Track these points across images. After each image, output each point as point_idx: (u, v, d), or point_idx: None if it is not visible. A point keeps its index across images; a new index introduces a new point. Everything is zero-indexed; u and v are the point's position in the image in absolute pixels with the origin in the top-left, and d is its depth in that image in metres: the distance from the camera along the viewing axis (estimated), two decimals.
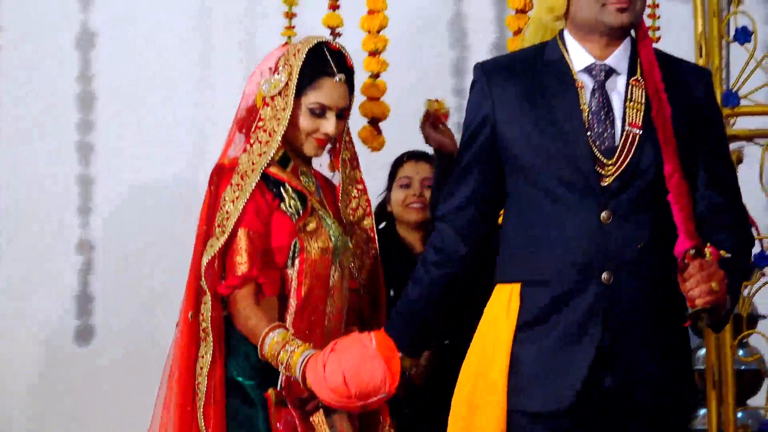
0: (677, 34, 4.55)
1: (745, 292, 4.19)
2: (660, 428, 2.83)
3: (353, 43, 3.48)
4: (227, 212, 3.21)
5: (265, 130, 3.28)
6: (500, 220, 3.00)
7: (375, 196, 4.21)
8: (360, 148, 3.60)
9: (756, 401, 4.51)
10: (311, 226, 3.26)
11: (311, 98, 3.29)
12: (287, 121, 3.26)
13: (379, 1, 4.30)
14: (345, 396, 3.01)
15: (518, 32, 4.18)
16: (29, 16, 5.61)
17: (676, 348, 2.84)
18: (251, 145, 3.28)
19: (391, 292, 3.63)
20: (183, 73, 5.61)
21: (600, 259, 2.77)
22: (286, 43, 4.14)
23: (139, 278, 5.52)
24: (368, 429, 3.31)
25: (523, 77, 2.90)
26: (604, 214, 2.77)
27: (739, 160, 4.24)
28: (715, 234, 2.78)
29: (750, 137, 4.28)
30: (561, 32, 2.92)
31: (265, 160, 3.25)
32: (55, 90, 5.60)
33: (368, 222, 3.47)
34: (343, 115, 3.34)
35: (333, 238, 3.28)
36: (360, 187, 3.47)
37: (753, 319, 4.44)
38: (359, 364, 3.00)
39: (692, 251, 2.66)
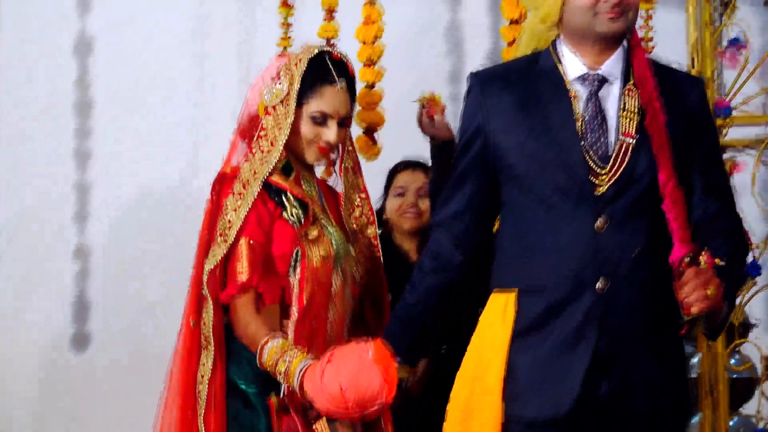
0: (671, 44, 4.56)
1: (738, 301, 4.21)
2: None
3: (349, 53, 3.49)
4: (229, 221, 3.22)
5: (267, 139, 3.29)
6: (496, 227, 3.01)
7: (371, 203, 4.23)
8: None
9: (748, 409, 4.53)
10: (313, 233, 3.27)
11: (312, 106, 3.30)
12: (289, 129, 3.27)
13: (374, 11, 4.32)
14: (343, 405, 3.01)
15: (512, 43, 4.19)
16: (27, 22, 5.62)
17: (671, 355, 2.85)
18: (253, 154, 3.29)
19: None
20: (180, 79, 5.61)
21: (595, 266, 2.78)
22: (283, 53, 4.17)
23: (136, 285, 5.51)
24: None
25: (518, 86, 2.91)
26: (598, 222, 2.78)
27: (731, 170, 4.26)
28: (710, 241, 2.78)
29: (742, 147, 4.30)
30: (554, 42, 2.93)
31: (267, 169, 3.26)
32: (53, 96, 5.60)
33: (371, 230, 3.48)
34: (344, 122, 3.35)
35: (335, 246, 3.29)
36: (363, 194, 3.48)
37: (745, 327, 4.46)
38: (356, 373, 2.99)
39: (688, 258, 2.68)
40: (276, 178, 3.28)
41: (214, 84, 5.60)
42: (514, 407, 2.82)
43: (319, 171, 3.45)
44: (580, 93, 2.86)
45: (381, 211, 4.40)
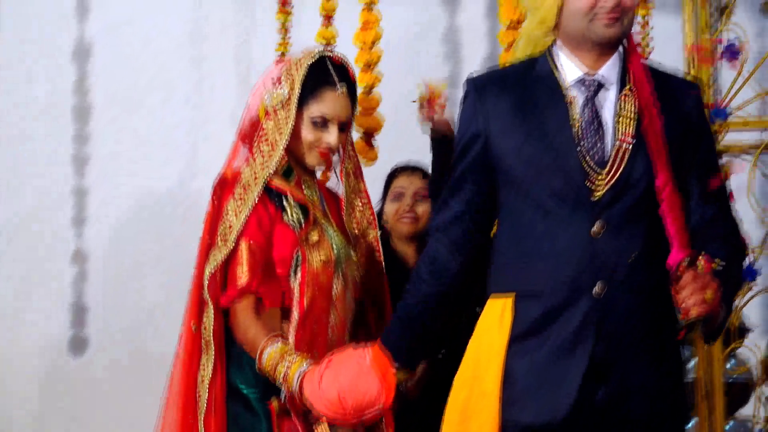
0: (668, 49, 4.57)
1: (734, 305, 4.21)
2: None
3: (347, 58, 3.50)
4: (230, 224, 3.22)
5: (267, 142, 3.29)
6: (493, 231, 3.01)
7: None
8: None
9: (745, 412, 4.54)
10: (313, 237, 3.27)
11: (313, 110, 3.31)
12: (289, 132, 3.28)
13: (372, 16, 4.33)
14: (341, 411, 3.01)
15: (510, 47, 4.20)
16: (26, 24, 5.62)
17: (668, 359, 2.85)
18: (254, 157, 3.30)
19: None
20: (179, 80, 5.61)
21: (592, 271, 2.77)
22: (282, 58, 4.18)
23: (134, 287, 5.52)
24: None
25: (515, 91, 2.91)
26: (595, 227, 2.78)
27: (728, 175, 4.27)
28: (707, 245, 2.78)
29: (739, 151, 4.31)
30: (551, 46, 2.94)
31: (268, 172, 3.26)
32: (52, 101, 5.60)
33: (373, 233, 3.49)
34: (345, 126, 3.36)
35: (335, 249, 3.29)
36: (364, 198, 3.48)
37: (742, 331, 4.47)
38: (354, 379, 3.00)
39: (685, 262, 2.68)
40: (277, 182, 3.29)
41: (212, 85, 5.60)
42: (511, 412, 2.82)
43: (318, 174, 3.46)
44: (576, 98, 2.86)
45: (379, 214, 4.41)
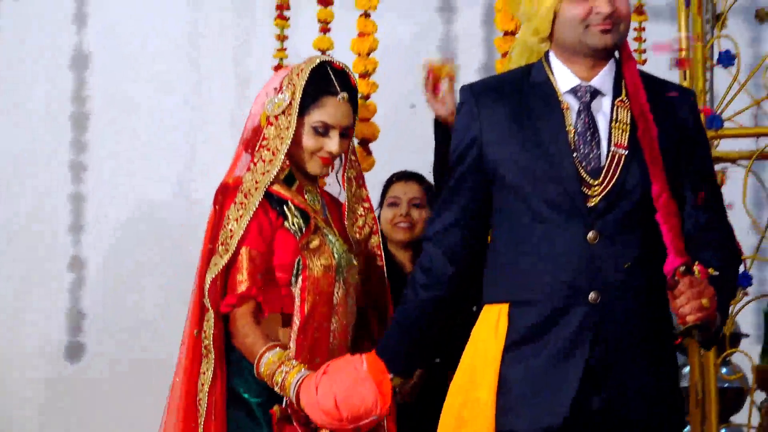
0: (662, 57, 4.58)
1: (729, 311, 4.21)
2: None
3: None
4: (231, 231, 3.23)
5: (268, 149, 3.30)
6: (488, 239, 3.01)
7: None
8: None
9: (739, 419, 4.55)
10: (314, 243, 3.27)
11: (314, 117, 3.31)
12: (290, 139, 3.28)
13: (369, 24, 4.34)
14: (337, 419, 3.01)
15: (506, 54, 4.20)
16: (25, 33, 5.64)
17: (664, 366, 2.85)
18: (255, 164, 3.30)
19: None
20: (177, 82, 5.63)
21: (587, 279, 2.78)
22: (280, 66, 4.20)
23: (131, 295, 5.53)
24: None
25: (511, 99, 2.91)
26: (590, 235, 2.78)
27: (722, 182, 4.28)
28: (702, 252, 2.78)
29: (733, 159, 4.32)
30: (546, 54, 2.94)
31: (269, 179, 3.27)
32: (50, 109, 5.61)
33: (375, 240, 3.48)
34: (346, 133, 3.36)
35: (336, 256, 3.29)
36: (366, 205, 3.48)
37: (736, 337, 4.48)
38: (350, 387, 3.00)
39: (682, 268, 2.68)
40: (278, 188, 3.29)
41: (208, 98, 5.61)
42: (506, 420, 2.81)
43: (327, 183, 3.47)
44: (572, 105, 2.87)
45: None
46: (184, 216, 5.38)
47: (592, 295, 2.77)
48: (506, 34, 4.24)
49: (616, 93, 2.88)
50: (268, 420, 3.18)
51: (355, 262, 3.37)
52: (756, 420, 4.41)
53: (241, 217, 3.24)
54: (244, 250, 3.23)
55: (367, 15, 4.37)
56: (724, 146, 4.32)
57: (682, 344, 2.76)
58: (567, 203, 2.81)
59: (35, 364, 5.52)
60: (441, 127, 3.93)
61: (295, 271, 3.26)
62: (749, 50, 5.30)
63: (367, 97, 4.29)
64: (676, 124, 2.88)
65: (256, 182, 3.27)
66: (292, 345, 3.21)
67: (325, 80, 3.32)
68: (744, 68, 4.24)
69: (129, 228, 5.56)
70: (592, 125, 2.85)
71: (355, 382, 3.00)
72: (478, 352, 2.89)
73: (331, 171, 3.44)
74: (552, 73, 2.91)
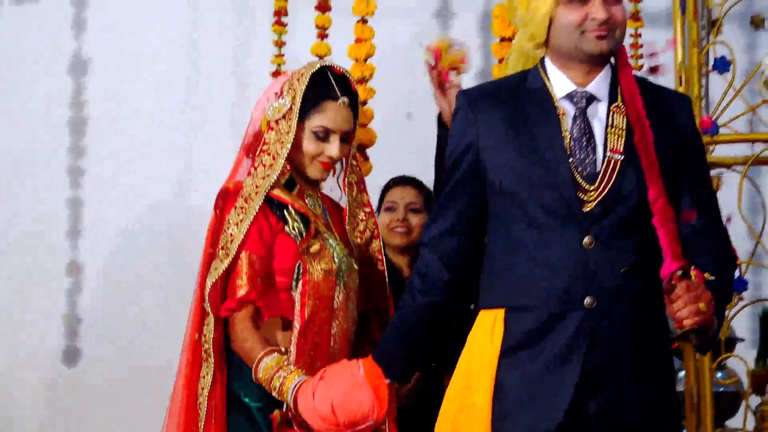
0: (658, 63, 4.59)
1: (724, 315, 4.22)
2: None
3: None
4: (231, 235, 3.24)
5: (269, 154, 3.31)
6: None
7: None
8: None
9: (734, 423, 4.55)
10: (314, 247, 3.28)
11: (315, 122, 3.33)
12: (291, 144, 3.29)
13: (366, 30, 4.34)
14: (333, 424, 3.02)
15: (503, 60, 4.20)
16: (23, 41, 5.64)
17: (660, 371, 2.86)
18: (255, 169, 3.31)
19: None
20: (175, 87, 5.63)
21: (583, 284, 2.78)
22: (276, 71, 4.21)
23: (129, 300, 5.53)
24: None
25: (507, 105, 2.91)
26: (586, 240, 2.79)
27: (717, 188, 4.29)
28: (698, 257, 2.78)
29: (729, 165, 4.33)
30: (542, 60, 2.94)
31: (269, 183, 3.28)
32: (48, 115, 5.62)
33: (376, 244, 3.49)
34: (347, 138, 3.37)
35: (337, 260, 3.30)
36: (367, 210, 3.49)
37: (731, 342, 4.48)
38: (347, 392, 3.01)
39: (679, 273, 2.68)
40: (278, 193, 3.30)
41: (209, 88, 5.62)
42: (503, 426, 2.82)
43: (327, 187, 3.47)
44: (567, 111, 2.87)
45: None
46: (182, 219, 5.39)
47: (588, 300, 2.78)
48: (503, 40, 4.24)
49: (612, 99, 2.89)
50: (268, 424, 3.18)
51: (355, 267, 3.37)
52: (751, 424, 4.42)
53: (241, 221, 3.25)
54: (244, 255, 3.24)
55: (364, 21, 4.37)
56: (719, 152, 4.33)
57: (678, 348, 2.75)
58: (563, 209, 2.82)
59: (32, 368, 5.52)
60: (444, 126, 3.90)
61: (295, 276, 3.26)
62: (744, 56, 5.31)
63: (364, 103, 4.29)
64: (675, 130, 2.89)
65: (257, 187, 3.28)
66: (293, 349, 3.21)
67: (326, 85, 3.33)
68: (739, 74, 4.25)
69: (127, 233, 5.56)
70: (587, 131, 2.86)
71: (352, 387, 3.01)
72: (474, 358, 2.89)
73: (332, 175, 3.45)
74: (548, 79, 2.92)
